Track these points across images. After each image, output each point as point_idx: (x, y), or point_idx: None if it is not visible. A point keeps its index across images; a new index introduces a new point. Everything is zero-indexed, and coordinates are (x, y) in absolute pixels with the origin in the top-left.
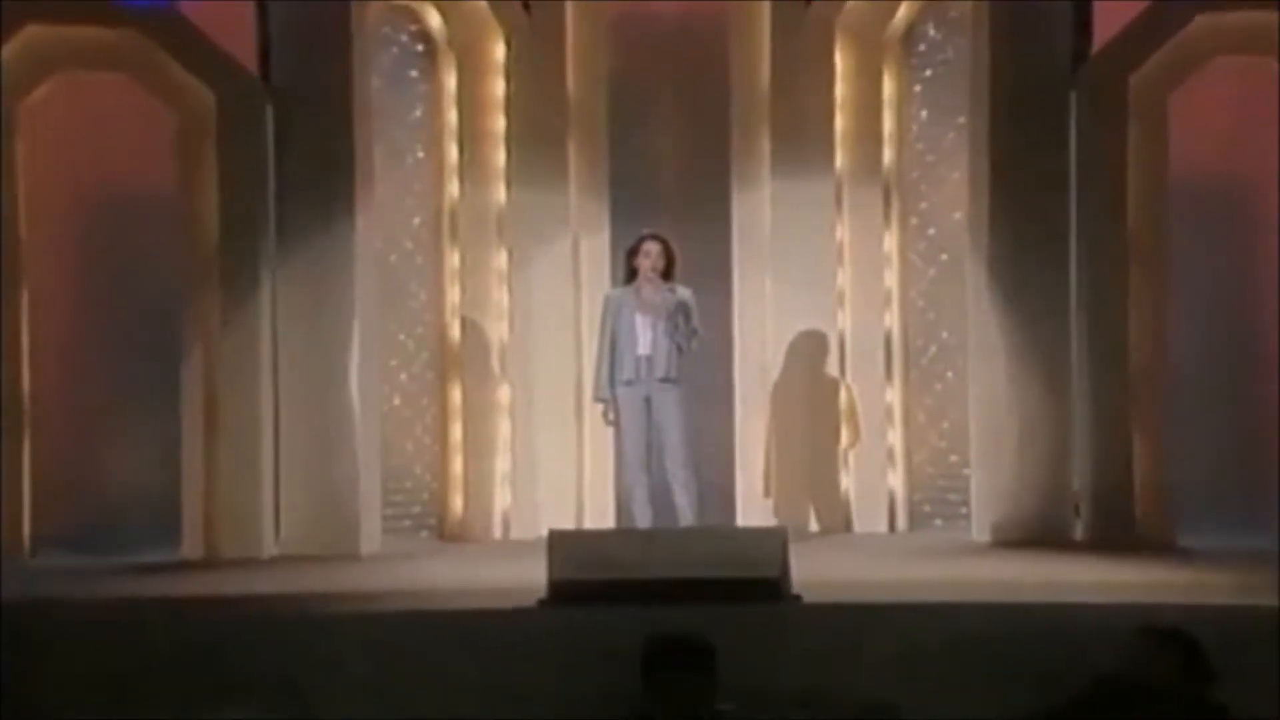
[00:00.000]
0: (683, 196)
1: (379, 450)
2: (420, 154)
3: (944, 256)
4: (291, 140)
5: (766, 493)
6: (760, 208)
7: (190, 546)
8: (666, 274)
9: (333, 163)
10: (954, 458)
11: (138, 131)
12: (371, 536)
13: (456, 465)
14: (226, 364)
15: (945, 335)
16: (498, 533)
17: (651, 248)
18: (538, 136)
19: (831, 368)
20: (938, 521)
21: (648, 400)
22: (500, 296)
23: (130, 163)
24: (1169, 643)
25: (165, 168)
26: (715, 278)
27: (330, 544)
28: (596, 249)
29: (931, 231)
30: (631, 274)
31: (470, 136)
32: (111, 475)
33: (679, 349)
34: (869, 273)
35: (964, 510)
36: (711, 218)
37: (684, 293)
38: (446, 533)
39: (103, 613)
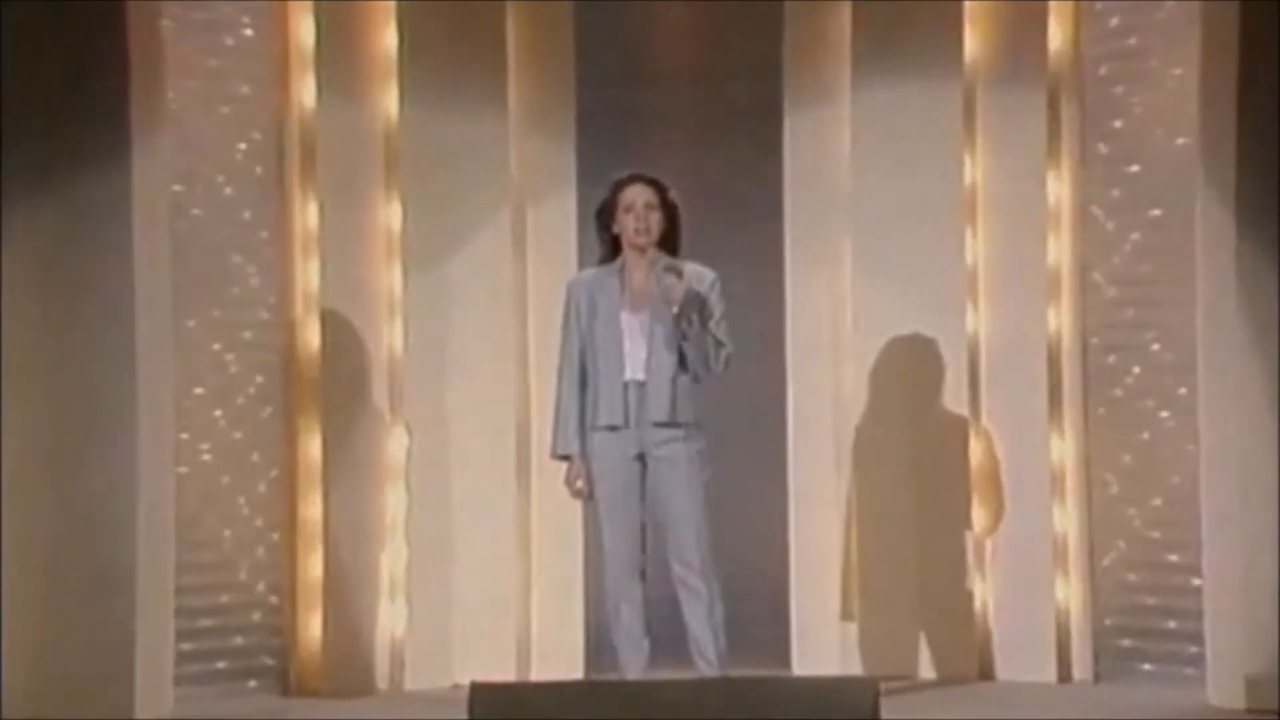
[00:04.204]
0: (699, 120)
1: (171, 543)
2: (248, 32)
3: (1155, 212)
4: (16, 7)
5: (846, 615)
6: (834, 135)
7: None
8: (668, 244)
9: (91, 46)
10: (1174, 557)
11: None
12: (157, 690)
13: (312, 566)
14: None
15: (1157, 347)
16: (382, 682)
17: (637, 196)
18: (453, 11)
19: (954, 401)
20: (1146, 667)
21: (641, 458)
22: (389, 281)
23: None
24: None
25: None
26: (756, 254)
27: (82, 703)
28: (555, 208)
29: (1134, 169)
30: (613, 248)
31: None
32: None
33: (691, 371)
34: (1021, 239)
35: (1193, 649)
36: (749, 153)
37: (700, 274)
38: (293, 682)
39: None
